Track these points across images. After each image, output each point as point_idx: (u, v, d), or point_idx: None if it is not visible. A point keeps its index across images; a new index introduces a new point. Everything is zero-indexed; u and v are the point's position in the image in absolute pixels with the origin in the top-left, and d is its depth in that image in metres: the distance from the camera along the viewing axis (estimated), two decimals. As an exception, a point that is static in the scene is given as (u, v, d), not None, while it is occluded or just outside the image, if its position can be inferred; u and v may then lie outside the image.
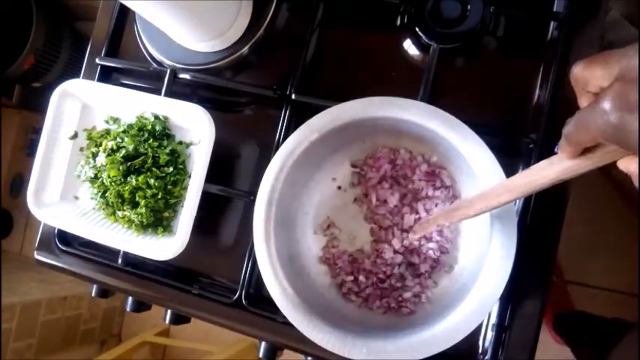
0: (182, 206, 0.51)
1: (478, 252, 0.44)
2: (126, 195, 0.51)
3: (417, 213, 0.48)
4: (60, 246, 0.58)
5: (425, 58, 0.50)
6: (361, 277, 0.48)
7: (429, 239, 0.47)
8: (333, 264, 0.49)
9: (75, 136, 0.55)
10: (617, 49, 0.24)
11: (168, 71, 0.54)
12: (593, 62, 0.25)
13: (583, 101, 0.27)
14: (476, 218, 0.40)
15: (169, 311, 0.56)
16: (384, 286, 0.48)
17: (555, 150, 0.29)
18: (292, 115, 0.52)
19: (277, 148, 0.45)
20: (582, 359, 0.89)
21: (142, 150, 0.51)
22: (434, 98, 0.48)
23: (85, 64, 0.61)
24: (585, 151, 0.27)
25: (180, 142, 0.53)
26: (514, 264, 0.39)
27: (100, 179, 0.52)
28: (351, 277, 0.48)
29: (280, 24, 0.55)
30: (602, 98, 0.23)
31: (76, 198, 0.56)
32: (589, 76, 0.25)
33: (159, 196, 0.50)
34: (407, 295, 0.47)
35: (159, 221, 0.52)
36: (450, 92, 0.49)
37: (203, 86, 0.57)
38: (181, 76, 0.54)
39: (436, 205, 0.47)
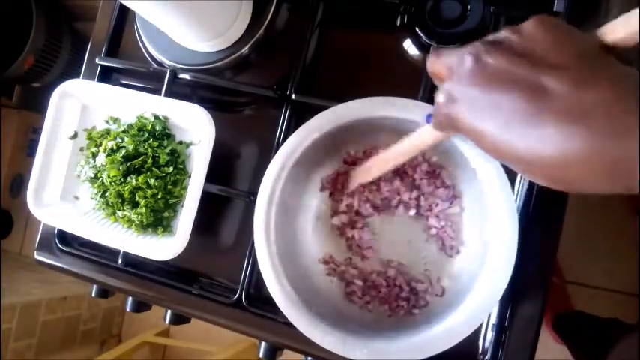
0: (182, 206, 0.51)
1: (479, 252, 0.44)
2: (126, 195, 0.51)
3: (418, 205, 0.48)
4: (60, 246, 0.58)
5: (425, 58, 0.50)
6: (370, 280, 0.48)
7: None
8: (338, 267, 0.49)
9: (75, 136, 0.55)
10: (445, 48, 0.28)
11: (168, 71, 0.54)
12: (435, 59, 0.29)
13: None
14: (476, 218, 0.40)
15: (169, 311, 0.56)
16: (390, 288, 0.48)
17: (427, 120, 0.35)
18: (292, 115, 0.52)
19: (277, 148, 0.45)
20: (580, 359, 0.89)
21: (142, 150, 0.51)
22: (434, 98, 0.48)
23: (85, 64, 0.61)
24: None
25: (180, 142, 0.53)
26: (514, 264, 0.39)
27: (100, 179, 0.52)
28: (361, 282, 0.48)
29: (280, 24, 0.55)
30: (436, 94, 0.28)
31: (76, 198, 0.56)
32: (435, 71, 0.29)
33: (159, 196, 0.50)
34: (413, 298, 0.47)
35: (159, 221, 0.52)
36: (450, 92, 0.49)
37: (203, 86, 0.57)
38: (181, 76, 0.54)
39: (436, 205, 0.47)
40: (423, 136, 0.35)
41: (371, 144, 0.49)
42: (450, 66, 0.27)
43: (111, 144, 0.52)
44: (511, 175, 0.41)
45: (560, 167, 0.21)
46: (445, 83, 0.27)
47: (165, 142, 0.52)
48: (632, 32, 0.23)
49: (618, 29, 0.24)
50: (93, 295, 0.59)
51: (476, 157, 0.41)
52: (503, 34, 0.27)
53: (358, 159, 0.49)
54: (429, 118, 0.33)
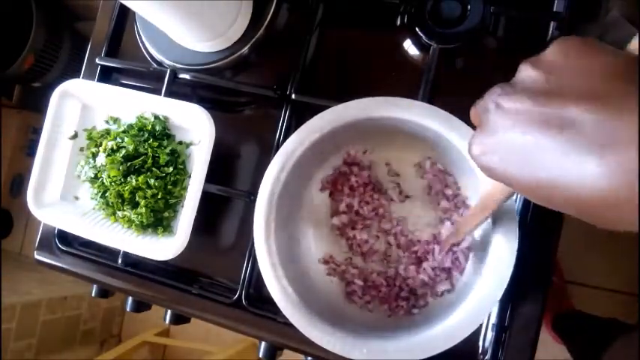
0: (182, 206, 0.51)
1: (479, 252, 0.44)
2: (126, 195, 0.51)
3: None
4: (60, 246, 0.58)
5: (425, 58, 0.50)
6: (370, 280, 0.48)
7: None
8: (338, 267, 0.49)
9: (75, 136, 0.55)
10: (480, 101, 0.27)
11: (168, 71, 0.54)
12: (473, 109, 0.28)
13: None
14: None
15: (169, 311, 0.56)
16: (390, 288, 0.48)
17: None
18: (292, 115, 0.52)
19: (277, 148, 0.45)
20: (580, 359, 0.89)
21: (142, 150, 0.51)
22: (434, 98, 0.48)
23: (85, 64, 0.61)
24: None
25: (180, 142, 0.53)
26: (514, 264, 0.39)
27: (100, 179, 0.52)
28: (361, 282, 0.48)
29: (280, 24, 0.55)
30: (469, 147, 0.27)
31: (76, 198, 0.56)
32: (475, 123, 0.28)
33: (159, 196, 0.50)
34: (412, 298, 0.47)
35: (159, 221, 0.52)
36: (450, 92, 0.49)
37: (203, 86, 0.57)
38: (181, 76, 0.54)
39: (445, 212, 0.47)
40: (494, 191, 0.34)
41: (371, 144, 0.49)
42: (478, 119, 0.27)
43: (111, 144, 0.52)
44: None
45: (612, 205, 0.19)
46: (474, 136, 0.26)
47: (165, 142, 0.52)
48: None
49: None
50: (93, 295, 0.59)
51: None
52: (523, 70, 0.25)
53: (358, 159, 0.49)
54: None
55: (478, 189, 0.43)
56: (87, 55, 0.61)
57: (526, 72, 0.25)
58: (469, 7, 0.47)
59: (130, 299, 0.57)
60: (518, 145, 0.23)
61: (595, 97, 0.20)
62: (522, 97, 0.23)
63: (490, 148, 0.25)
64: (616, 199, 0.19)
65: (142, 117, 0.53)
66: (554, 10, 0.47)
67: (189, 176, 0.51)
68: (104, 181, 0.52)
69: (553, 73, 0.23)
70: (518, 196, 0.45)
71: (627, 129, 0.18)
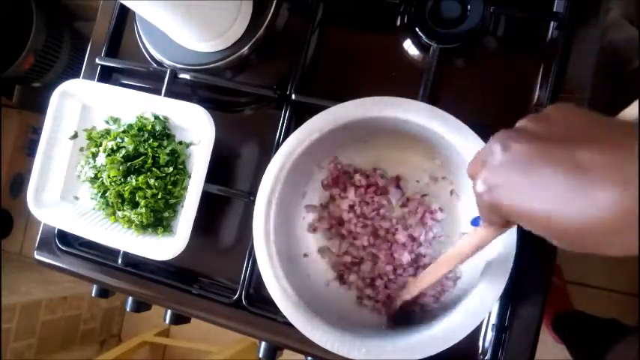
0: (182, 206, 0.51)
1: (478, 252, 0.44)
2: (126, 195, 0.51)
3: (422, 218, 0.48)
4: (60, 246, 0.58)
5: (425, 58, 0.50)
6: (377, 282, 0.48)
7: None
8: (338, 266, 0.49)
9: (75, 136, 0.55)
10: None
11: (168, 71, 0.54)
12: (471, 161, 0.30)
13: None
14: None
15: (169, 311, 0.56)
16: (390, 290, 0.48)
17: (473, 224, 0.36)
18: (292, 115, 0.52)
19: (277, 148, 0.45)
20: (579, 359, 0.89)
21: (142, 150, 0.51)
22: (434, 98, 0.48)
23: (85, 64, 0.61)
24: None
25: (180, 142, 0.53)
26: (514, 264, 0.39)
27: (100, 179, 0.52)
28: (361, 282, 0.48)
29: (280, 24, 0.55)
30: (474, 187, 0.28)
31: (76, 198, 0.56)
32: (474, 173, 0.29)
33: (159, 196, 0.50)
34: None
35: (159, 221, 0.52)
36: (450, 92, 0.49)
37: (203, 86, 0.57)
38: (181, 76, 0.54)
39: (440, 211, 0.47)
40: (475, 237, 0.36)
41: (371, 143, 0.49)
42: (483, 160, 0.28)
43: (111, 144, 0.52)
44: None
45: (615, 225, 0.22)
46: (479, 175, 0.28)
47: (165, 142, 0.52)
48: None
49: (633, 113, 0.26)
50: (93, 295, 0.59)
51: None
52: (526, 122, 0.28)
53: (359, 159, 0.49)
54: (475, 221, 0.34)
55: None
56: (87, 55, 0.61)
57: (528, 124, 0.27)
58: (469, 7, 0.47)
59: (130, 299, 0.57)
60: (528, 182, 0.25)
61: (598, 142, 0.23)
62: (529, 140, 0.26)
63: (498, 184, 0.26)
64: (622, 224, 0.21)
65: (142, 117, 0.53)
66: (554, 10, 0.47)
67: (189, 176, 0.51)
68: (104, 181, 0.52)
69: (554, 125, 0.26)
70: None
71: (629, 166, 0.21)
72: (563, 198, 0.23)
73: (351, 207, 0.49)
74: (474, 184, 0.29)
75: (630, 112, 0.26)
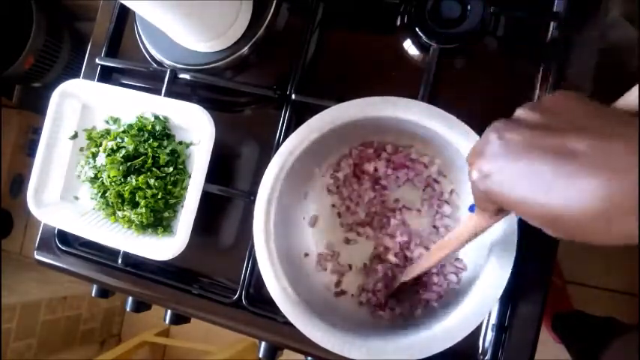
0: (182, 206, 0.51)
1: (478, 252, 0.44)
2: (126, 195, 0.51)
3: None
4: (60, 246, 0.58)
5: (425, 58, 0.50)
6: (379, 284, 0.48)
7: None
8: (339, 266, 0.49)
9: (75, 136, 0.55)
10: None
11: (168, 71, 0.54)
12: (469, 154, 0.30)
13: None
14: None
15: (169, 311, 0.56)
16: (391, 290, 0.48)
17: (470, 210, 0.37)
18: (292, 115, 0.52)
19: (277, 148, 0.45)
20: (577, 358, 0.89)
21: (142, 150, 0.51)
22: (434, 98, 0.48)
23: (85, 64, 0.61)
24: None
25: (180, 142, 0.53)
26: (514, 264, 0.39)
27: (100, 179, 0.52)
28: (361, 283, 0.48)
29: (280, 24, 0.55)
30: (469, 175, 0.29)
31: (76, 198, 0.56)
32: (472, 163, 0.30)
33: (159, 196, 0.50)
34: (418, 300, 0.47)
35: (159, 221, 0.52)
36: (450, 92, 0.49)
37: (203, 86, 0.57)
38: (181, 76, 0.54)
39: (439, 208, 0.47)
40: (470, 223, 0.36)
41: (371, 144, 0.49)
42: (479, 149, 0.29)
43: (111, 144, 0.52)
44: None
45: (605, 214, 0.22)
46: (474, 163, 0.29)
47: (165, 142, 0.52)
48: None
49: (630, 100, 0.26)
50: (93, 295, 0.59)
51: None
52: (521, 112, 0.28)
53: (358, 159, 0.49)
54: (472, 207, 0.35)
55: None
56: (87, 55, 0.61)
57: (525, 113, 0.28)
58: (469, 7, 0.47)
59: (130, 299, 0.57)
60: (522, 169, 0.25)
61: (593, 131, 0.23)
62: (525, 130, 0.26)
63: (492, 172, 0.27)
64: (610, 213, 0.22)
65: (141, 117, 0.53)
66: (554, 10, 0.47)
67: (189, 176, 0.51)
68: (104, 181, 0.52)
69: (551, 115, 0.26)
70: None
71: (619, 155, 0.22)
72: (553, 186, 0.23)
73: (356, 204, 0.49)
74: (469, 172, 0.29)
75: (627, 99, 0.26)
